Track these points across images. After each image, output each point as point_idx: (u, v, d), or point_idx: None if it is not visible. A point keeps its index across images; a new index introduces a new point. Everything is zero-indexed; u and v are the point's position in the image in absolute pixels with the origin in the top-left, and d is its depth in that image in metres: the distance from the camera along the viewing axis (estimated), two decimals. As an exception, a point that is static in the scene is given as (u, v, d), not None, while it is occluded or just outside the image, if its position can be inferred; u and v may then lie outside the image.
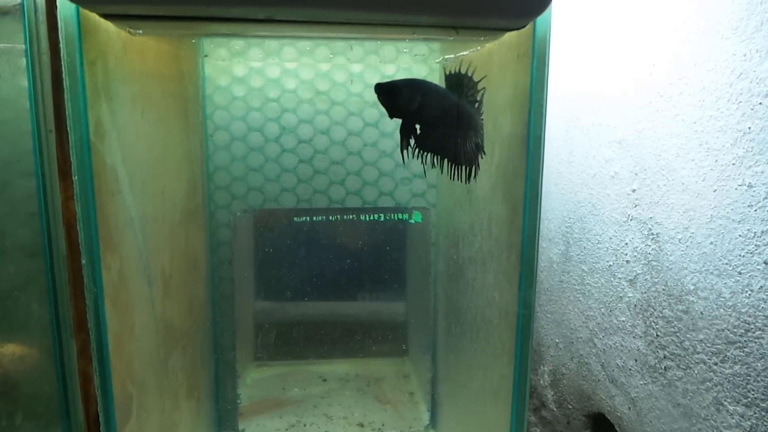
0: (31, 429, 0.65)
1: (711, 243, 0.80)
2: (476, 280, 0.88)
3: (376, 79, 1.14)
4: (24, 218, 0.59)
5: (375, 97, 1.17)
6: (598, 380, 1.10)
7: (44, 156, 0.58)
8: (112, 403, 0.64)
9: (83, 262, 0.60)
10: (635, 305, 0.98)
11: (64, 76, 0.58)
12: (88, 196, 0.60)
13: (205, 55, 1.03)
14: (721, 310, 0.79)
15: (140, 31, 0.67)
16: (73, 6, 0.57)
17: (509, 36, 0.67)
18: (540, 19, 0.60)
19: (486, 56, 0.76)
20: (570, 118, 1.16)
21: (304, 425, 1.25)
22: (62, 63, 0.57)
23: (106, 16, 0.60)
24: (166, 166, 0.86)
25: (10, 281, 0.61)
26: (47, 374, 0.60)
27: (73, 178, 0.59)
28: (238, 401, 1.23)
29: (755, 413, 0.74)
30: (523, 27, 0.61)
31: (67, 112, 0.57)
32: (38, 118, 0.57)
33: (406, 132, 0.69)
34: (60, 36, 0.57)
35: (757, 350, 0.73)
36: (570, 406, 1.22)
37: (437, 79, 1.12)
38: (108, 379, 0.63)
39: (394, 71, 1.14)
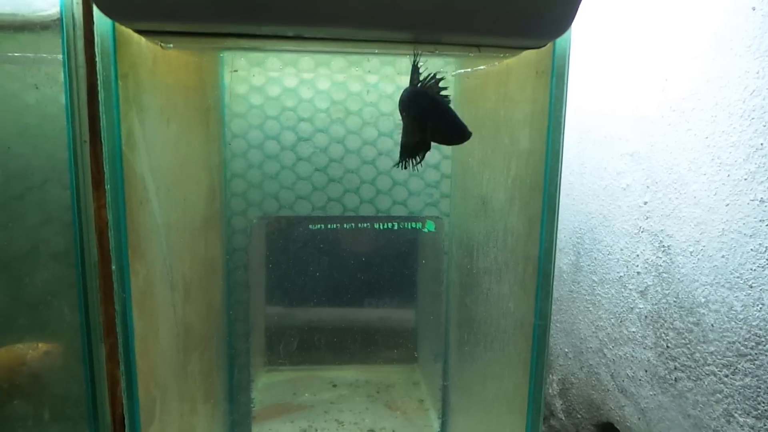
0: (59, 430, 0.66)
1: (722, 256, 0.82)
2: (491, 291, 0.89)
3: (392, 90, 1.16)
4: (59, 227, 0.61)
5: (389, 107, 1.19)
6: (608, 390, 1.11)
7: (79, 166, 0.60)
8: (137, 406, 0.66)
9: (113, 268, 0.61)
10: (646, 316, 0.99)
11: (99, 88, 0.60)
12: (119, 204, 0.62)
13: (235, 70, 1.05)
14: (732, 322, 0.80)
15: (171, 45, 0.69)
16: (109, 22, 0.59)
17: (528, 53, 0.68)
18: (560, 38, 0.62)
19: (504, 72, 0.78)
20: (582, 130, 1.18)
21: (316, 430, 1.26)
22: (98, 76, 0.59)
23: (140, 32, 0.62)
24: (188, 175, 0.88)
25: (44, 287, 0.63)
26: (76, 376, 0.62)
27: (106, 186, 0.61)
28: (252, 405, 1.24)
29: (765, 425, 0.75)
30: (544, 46, 0.63)
31: (101, 124, 0.60)
32: (74, 129, 0.59)
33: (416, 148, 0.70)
34: (96, 50, 0.59)
35: (768, 363, 0.74)
36: (579, 416, 1.23)
37: (453, 91, 1.14)
38: (134, 382, 0.65)
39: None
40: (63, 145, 0.58)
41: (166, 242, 0.77)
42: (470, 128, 0.63)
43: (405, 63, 1.12)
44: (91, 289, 0.61)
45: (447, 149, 1.19)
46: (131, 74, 0.65)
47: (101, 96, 0.60)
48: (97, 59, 0.59)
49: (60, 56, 0.58)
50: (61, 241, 0.61)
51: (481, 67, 0.88)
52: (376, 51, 0.84)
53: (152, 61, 0.70)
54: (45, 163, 0.62)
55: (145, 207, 0.69)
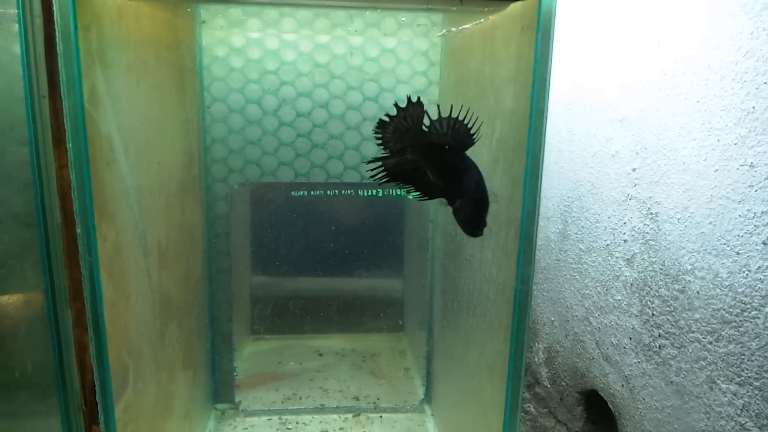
0: (26, 398, 0.65)
1: (710, 223, 0.80)
2: (474, 257, 0.88)
3: (376, 52, 1.12)
4: (18, 186, 0.59)
5: (374, 70, 1.15)
6: (593, 358, 1.11)
7: (38, 123, 0.57)
8: (108, 373, 0.64)
9: (78, 231, 0.59)
10: (632, 284, 0.98)
11: (57, 40, 0.56)
12: (83, 164, 0.59)
13: (203, 21, 1.01)
14: (718, 289, 0.79)
15: (136, -4, 0.65)
16: (66, -33, 0.55)
17: (514, 7, 0.65)
18: (546, -9, 0.59)
19: (489, 29, 0.75)
20: (571, 96, 1.15)
21: (300, 398, 1.26)
22: (55, 27, 0.56)
23: (100, -21, 0.59)
24: (162, 137, 0.85)
25: (4, 249, 0.61)
26: (43, 343, 0.60)
27: (67, 145, 0.58)
28: (235, 374, 1.24)
29: (748, 392, 0.75)
30: (529, -2, 0.60)
31: (60, 78, 0.56)
32: (31, 84, 0.56)
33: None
34: (53, -1, 0.55)
35: (753, 330, 0.74)
36: (564, 383, 1.24)
37: (439, 52, 1.11)
38: (104, 349, 0.63)
39: (394, 44, 1.12)
40: (20, 101, 0.55)
41: (138, 206, 0.75)
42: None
43: (390, 24, 1.08)
44: (55, 252, 0.58)
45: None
46: (94, 26, 0.61)
47: (60, 49, 0.56)
48: (55, 8, 0.55)
49: (14, 9, 0.54)
50: (21, 202, 0.58)
51: (467, 26, 0.85)
52: (356, 4, 0.80)
53: (117, 13, 0.66)
54: (1, 120, 0.59)
55: (112, 168, 0.67)
